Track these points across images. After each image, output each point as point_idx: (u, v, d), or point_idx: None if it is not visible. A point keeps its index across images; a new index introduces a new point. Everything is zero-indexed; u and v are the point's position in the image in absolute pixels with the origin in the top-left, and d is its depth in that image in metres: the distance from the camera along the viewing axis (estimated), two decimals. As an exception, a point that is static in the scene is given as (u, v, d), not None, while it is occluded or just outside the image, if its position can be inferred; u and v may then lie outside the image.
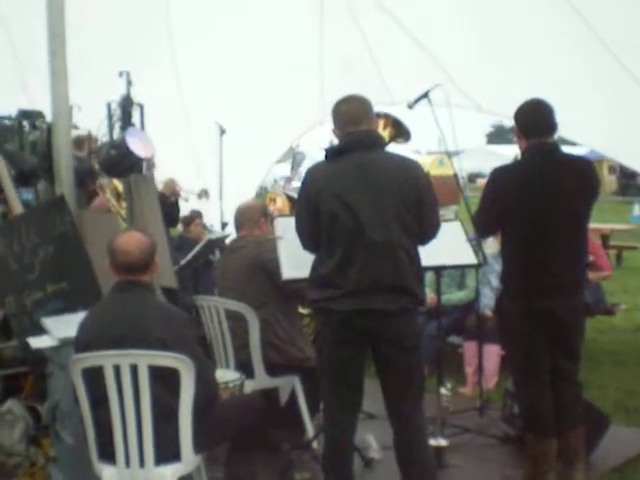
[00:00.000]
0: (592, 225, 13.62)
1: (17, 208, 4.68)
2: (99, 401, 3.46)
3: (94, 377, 3.43)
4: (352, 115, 3.79)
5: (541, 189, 4.12)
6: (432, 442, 4.77)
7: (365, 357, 3.84)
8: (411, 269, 3.74)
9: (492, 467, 4.72)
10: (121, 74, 4.55)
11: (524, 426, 4.47)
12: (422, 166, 3.91)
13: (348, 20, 7.38)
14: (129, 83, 4.53)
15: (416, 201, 3.73)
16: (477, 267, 5.40)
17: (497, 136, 54.99)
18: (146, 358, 3.36)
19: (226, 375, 4.27)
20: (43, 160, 4.97)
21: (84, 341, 3.57)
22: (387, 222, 3.66)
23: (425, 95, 5.33)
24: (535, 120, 4.23)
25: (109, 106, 4.63)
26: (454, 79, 7.02)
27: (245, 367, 4.79)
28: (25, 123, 5.13)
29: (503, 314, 4.35)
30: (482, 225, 4.46)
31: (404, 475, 3.82)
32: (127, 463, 3.45)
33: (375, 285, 3.66)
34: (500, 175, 4.27)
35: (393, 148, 5.13)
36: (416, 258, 3.81)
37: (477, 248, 5.31)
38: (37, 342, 4.22)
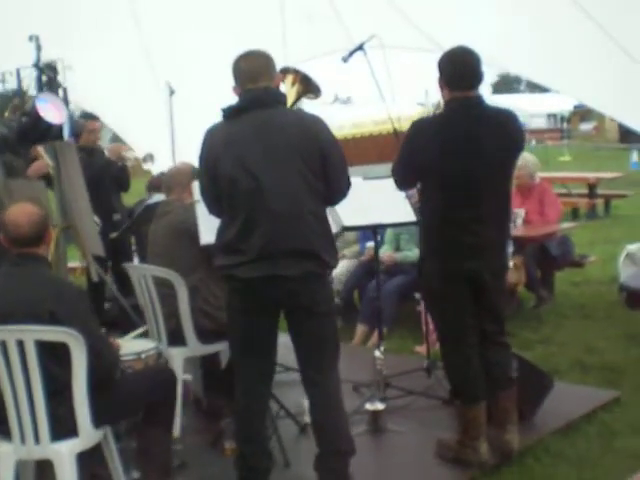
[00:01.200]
0: (577, 174, 13.58)
1: None
2: (-7, 377, 3.36)
3: (-14, 353, 3.34)
4: (251, 71, 3.60)
5: (463, 145, 3.94)
6: (368, 406, 4.68)
7: (275, 325, 3.71)
8: (317, 231, 3.58)
9: (431, 431, 4.58)
10: (31, 38, 4.36)
11: (451, 392, 4.36)
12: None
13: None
14: (38, 48, 4.34)
15: (319, 159, 3.55)
16: (416, 224, 5.23)
17: (503, 85, 54.24)
18: (32, 333, 3.25)
19: (139, 345, 4.15)
20: None
21: None
22: (289, 183, 3.51)
23: (360, 47, 5.13)
24: (461, 72, 4.03)
25: (18, 72, 4.46)
26: (413, 21, 6.87)
27: (176, 335, 4.70)
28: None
29: (425, 275, 4.20)
30: (400, 178, 4.25)
31: (318, 444, 3.72)
32: (22, 439, 3.36)
33: (278, 250, 3.50)
34: (420, 128, 4.07)
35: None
36: (324, 220, 3.66)
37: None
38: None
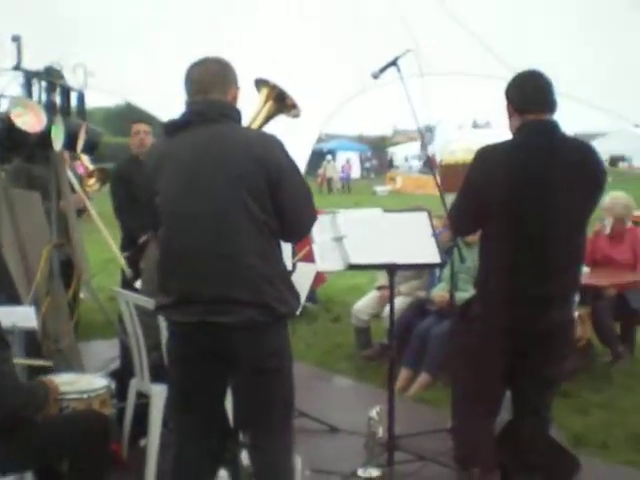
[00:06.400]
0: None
1: None
2: None
3: None
4: (201, 81, 3.08)
5: (532, 179, 3.35)
6: (361, 472, 4.09)
7: (217, 380, 3.17)
8: (264, 273, 2.99)
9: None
10: (14, 39, 3.99)
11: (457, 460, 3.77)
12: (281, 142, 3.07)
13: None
14: (19, 50, 3.96)
15: (267, 187, 2.96)
16: (440, 267, 4.60)
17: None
18: None
19: (88, 383, 3.70)
20: None
21: None
22: (226, 216, 2.95)
23: (393, 63, 4.56)
24: (534, 92, 3.47)
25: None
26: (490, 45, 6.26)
27: (160, 370, 4.26)
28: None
29: (470, 323, 3.61)
30: (458, 219, 3.66)
31: None
32: None
33: (218, 293, 2.97)
34: (483, 158, 3.47)
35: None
36: (274, 259, 3.06)
37: (455, 243, 4.53)
38: None
